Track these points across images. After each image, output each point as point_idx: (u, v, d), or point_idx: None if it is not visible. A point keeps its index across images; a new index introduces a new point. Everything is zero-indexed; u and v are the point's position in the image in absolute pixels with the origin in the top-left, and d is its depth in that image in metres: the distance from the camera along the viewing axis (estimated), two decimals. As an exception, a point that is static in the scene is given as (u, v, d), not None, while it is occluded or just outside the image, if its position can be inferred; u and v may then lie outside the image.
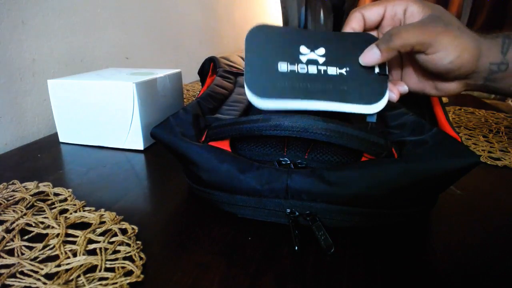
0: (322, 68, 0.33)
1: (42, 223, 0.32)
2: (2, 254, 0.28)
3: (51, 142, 0.54)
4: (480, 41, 0.32)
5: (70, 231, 0.31)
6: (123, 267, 0.26)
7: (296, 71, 0.32)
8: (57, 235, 0.30)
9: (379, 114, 0.33)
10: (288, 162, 0.33)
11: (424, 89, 0.37)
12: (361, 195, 0.29)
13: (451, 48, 0.31)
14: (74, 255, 0.28)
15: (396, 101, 0.34)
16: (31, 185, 0.39)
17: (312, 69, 0.33)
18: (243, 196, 0.31)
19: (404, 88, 0.35)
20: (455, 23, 0.32)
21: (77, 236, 0.30)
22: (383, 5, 0.35)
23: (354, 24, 0.35)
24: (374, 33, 0.37)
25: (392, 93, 0.34)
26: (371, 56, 0.33)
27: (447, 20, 0.32)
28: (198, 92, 0.86)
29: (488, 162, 0.48)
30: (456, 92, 0.36)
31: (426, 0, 0.34)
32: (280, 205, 0.30)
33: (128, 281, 0.25)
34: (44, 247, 0.29)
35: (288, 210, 0.30)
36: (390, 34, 0.31)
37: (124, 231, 0.31)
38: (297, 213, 0.30)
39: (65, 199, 0.36)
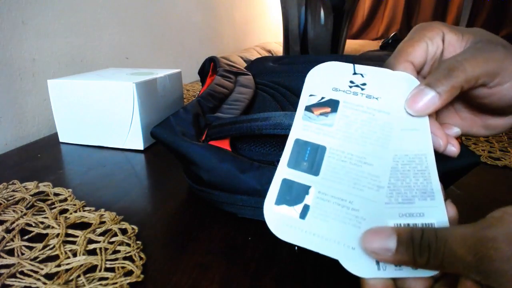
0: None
1: (42, 223, 0.32)
2: (2, 254, 0.28)
3: (51, 142, 0.54)
4: None
5: (70, 231, 0.31)
6: (123, 267, 0.26)
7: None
8: (57, 235, 0.30)
9: None
10: (288, 162, 0.33)
11: (470, 130, 0.29)
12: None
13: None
14: (74, 255, 0.28)
15: (457, 153, 0.25)
16: (31, 185, 0.39)
17: None
18: (243, 196, 0.31)
19: (456, 131, 0.27)
20: (505, 42, 0.25)
21: (77, 236, 0.30)
22: (423, 41, 0.27)
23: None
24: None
25: (451, 146, 0.24)
26: (425, 100, 0.23)
27: (499, 42, 0.25)
28: (198, 92, 0.86)
29: (488, 162, 0.48)
30: (507, 128, 0.28)
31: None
32: (280, 205, 0.30)
33: (128, 281, 0.25)
34: (44, 247, 0.29)
35: (288, 210, 0.30)
36: (447, 69, 0.23)
37: (124, 231, 0.31)
38: (297, 213, 0.30)
39: (65, 199, 0.36)
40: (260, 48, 1.70)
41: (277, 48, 1.90)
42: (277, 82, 0.53)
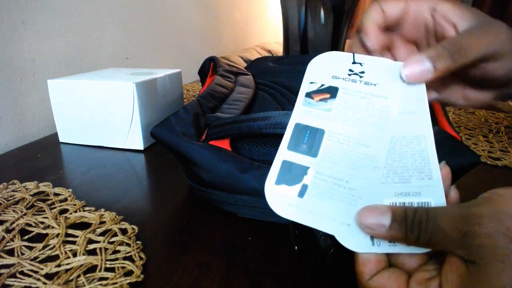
0: None
1: (42, 223, 0.32)
2: (2, 254, 0.28)
3: (51, 142, 0.54)
4: None
5: (70, 231, 0.31)
6: (123, 267, 0.26)
7: None
8: (57, 235, 0.30)
9: None
10: (288, 162, 0.33)
11: (449, 97, 0.30)
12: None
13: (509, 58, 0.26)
14: (74, 255, 0.28)
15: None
16: (31, 185, 0.39)
17: None
18: (243, 196, 0.31)
19: (435, 96, 0.29)
20: (505, 26, 0.27)
21: (77, 236, 0.30)
22: (404, 0, 0.28)
23: (374, 15, 0.28)
24: (390, 36, 0.30)
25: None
26: (420, 70, 0.24)
27: (498, 23, 0.26)
28: (198, 92, 0.86)
29: (488, 162, 0.48)
30: (486, 102, 0.30)
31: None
32: (280, 205, 0.30)
33: (128, 281, 0.25)
34: (44, 247, 0.29)
35: (288, 210, 0.30)
36: (452, 49, 0.24)
37: (124, 231, 0.31)
38: (297, 213, 0.30)
39: (65, 199, 0.36)
40: (260, 48, 1.69)
41: (277, 48, 1.90)
42: (277, 82, 0.53)
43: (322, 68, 0.26)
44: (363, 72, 0.26)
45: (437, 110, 0.39)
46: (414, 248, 0.20)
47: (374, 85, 0.25)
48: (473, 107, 0.32)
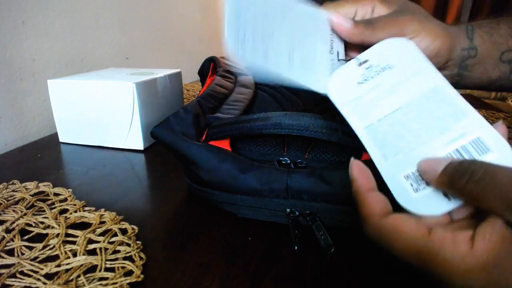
0: None
1: (42, 223, 0.32)
2: (2, 254, 0.28)
3: (51, 142, 0.54)
4: (448, 28, 0.33)
5: (70, 231, 0.31)
6: (123, 267, 0.26)
7: None
8: (57, 235, 0.30)
9: None
10: (288, 161, 0.33)
11: None
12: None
13: (424, 34, 0.31)
14: (74, 255, 0.28)
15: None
16: (31, 185, 0.39)
17: None
18: (243, 196, 0.31)
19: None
20: (422, 11, 0.33)
21: (77, 236, 0.30)
22: (354, 4, 0.34)
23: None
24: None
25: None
26: (346, 25, 0.31)
27: (413, 10, 0.32)
28: (198, 92, 0.86)
29: (488, 162, 0.47)
30: None
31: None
32: (280, 205, 0.30)
33: (128, 281, 0.25)
34: (44, 247, 0.29)
35: (288, 210, 0.30)
36: (372, 23, 0.31)
37: (124, 231, 0.31)
38: (297, 213, 0.30)
39: (65, 199, 0.36)
40: (260, 48, 1.69)
41: (277, 48, 1.89)
42: (277, 82, 0.53)
43: (343, 85, 0.28)
44: (372, 66, 0.28)
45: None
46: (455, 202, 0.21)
47: (389, 68, 0.28)
48: None
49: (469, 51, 0.34)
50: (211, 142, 0.34)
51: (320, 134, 0.30)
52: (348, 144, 0.30)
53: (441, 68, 0.34)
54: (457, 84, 0.35)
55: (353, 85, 0.28)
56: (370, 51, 0.30)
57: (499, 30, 0.34)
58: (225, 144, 0.34)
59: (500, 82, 0.35)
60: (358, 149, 0.31)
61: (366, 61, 0.29)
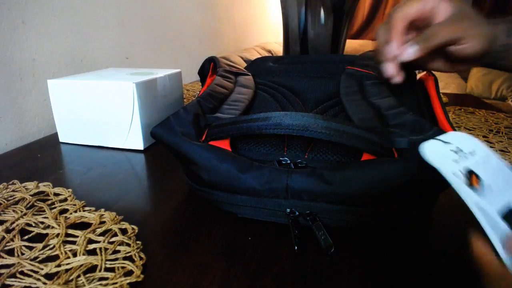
0: None
1: (42, 223, 0.32)
2: (2, 254, 0.28)
3: (51, 142, 0.54)
4: (493, 27, 0.38)
5: (70, 231, 0.31)
6: (123, 267, 0.26)
7: None
8: (57, 235, 0.30)
9: (379, 114, 0.33)
10: (288, 161, 0.33)
11: (432, 64, 0.41)
12: (361, 195, 0.29)
13: (478, 40, 0.36)
14: (74, 255, 0.28)
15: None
16: (31, 185, 0.39)
17: None
18: (243, 196, 0.31)
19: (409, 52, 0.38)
20: (474, 15, 0.37)
21: (77, 236, 0.30)
22: (421, 3, 0.38)
23: (399, 26, 0.38)
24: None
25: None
26: (410, 51, 0.37)
27: (469, 14, 0.37)
28: (198, 92, 0.86)
29: (488, 162, 0.47)
30: (466, 68, 0.42)
31: None
32: (280, 205, 0.30)
33: (128, 281, 0.25)
34: (44, 247, 0.29)
35: (288, 210, 0.30)
36: (427, 35, 0.36)
37: (124, 231, 0.31)
38: (297, 213, 0.30)
39: (65, 199, 0.36)
40: (260, 48, 1.69)
41: (277, 48, 1.90)
42: (277, 82, 0.53)
43: (442, 157, 0.28)
44: (460, 149, 0.28)
45: (437, 110, 0.39)
46: None
47: (472, 154, 0.28)
48: (456, 71, 0.44)
49: (506, 47, 0.40)
50: (211, 142, 0.34)
51: (320, 134, 0.30)
52: (348, 144, 0.30)
53: (479, 58, 0.39)
54: (487, 66, 0.42)
55: (450, 161, 0.28)
56: (447, 136, 0.30)
57: None
58: (225, 144, 0.34)
59: None
60: (357, 149, 0.31)
61: (449, 143, 0.29)
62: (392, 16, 0.39)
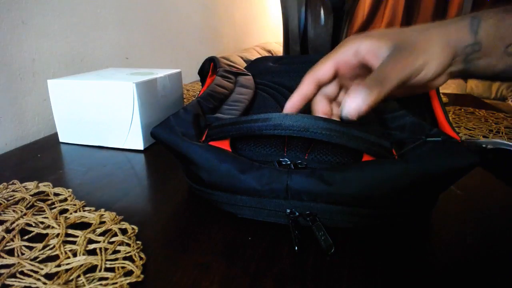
0: None
1: (42, 223, 0.32)
2: (2, 254, 0.28)
3: (51, 142, 0.54)
4: (446, 32, 0.33)
5: (70, 231, 0.31)
6: (123, 267, 0.26)
7: None
8: (57, 235, 0.30)
9: (379, 117, 0.33)
10: (288, 162, 0.33)
11: (413, 92, 0.38)
12: (361, 196, 0.29)
13: (432, 64, 0.32)
14: (74, 255, 0.28)
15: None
16: (31, 185, 0.39)
17: None
18: (243, 196, 0.31)
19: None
20: (417, 36, 0.32)
21: (77, 236, 0.30)
22: (331, 60, 0.35)
23: (304, 89, 0.36)
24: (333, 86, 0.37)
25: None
26: (359, 100, 0.29)
27: (411, 40, 0.32)
28: (198, 92, 0.86)
29: (488, 162, 0.47)
30: (443, 83, 0.35)
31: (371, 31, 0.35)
32: (280, 206, 0.30)
33: (128, 281, 0.25)
34: (44, 247, 0.29)
35: (288, 210, 0.30)
36: (378, 80, 0.30)
37: (124, 231, 0.31)
38: (297, 213, 0.30)
39: (65, 199, 0.36)
40: (260, 48, 1.69)
41: (277, 48, 1.90)
42: (277, 82, 0.53)
43: None
44: None
45: (437, 111, 0.39)
46: None
47: None
48: (435, 87, 0.39)
49: (473, 47, 0.33)
50: (211, 143, 0.35)
51: (321, 135, 0.30)
52: (349, 145, 0.30)
53: (446, 67, 0.34)
54: (462, 75, 0.35)
55: None
56: None
57: (505, 21, 0.33)
58: (225, 145, 0.34)
59: (505, 74, 0.35)
60: (357, 151, 0.31)
61: None
62: (299, 85, 0.36)
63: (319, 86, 0.37)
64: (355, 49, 0.34)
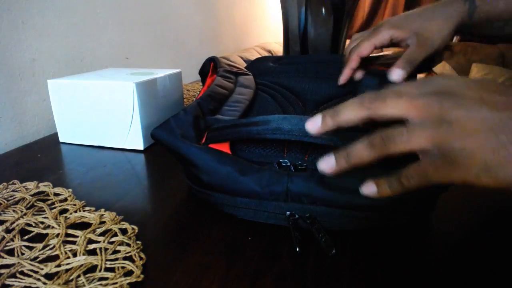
0: None
1: (42, 223, 0.32)
2: (2, 254, 0.28)
3: (51, 142, 0.54)
4: (446, 10, 0.45)
5: (70, 231, 0.31)
6: (123, 267, 0.26)
7: None
8: (57, 235, 0.30)
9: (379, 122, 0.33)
10: (288, 164, 0.33)
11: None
12: (360, 199, 0.29)
13: (439, 39, 0.44)
14: (74, 255, 0.28)
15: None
16: (31, 185, 0.39)
17: None
18: (243, 198, 0.31)
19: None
20: (427, 23, 0.45)
21: (77, 236, 0.30)
22: (372, 42, 0.46)
23: (353, 64, 0.48)
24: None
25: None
26: (399, 75, 0.45)
27: (423, 27, 0.45)
28: (198, 92, 0.86)
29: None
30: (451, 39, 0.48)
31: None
32: (280, 208, 0.30)
33: (128, 281, 0.25)
34: (44, 247, 0.29)
35: (288, 213, 0.30)
36: (409, 60, 0.44)
37: (124, 231, 0.31)
38: (297, 216, 0.30)
39: (65, 199, 0.36)
40: (260, 48, 1.69)
41: (277, 48, 1.90)
42: (277, 82, 0.53)
43: None
44: None
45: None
46: None
47: None
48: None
49: (481, 14, 0.44)
50: (211, 145, 0.35)
51: (320, 140, 0.30)
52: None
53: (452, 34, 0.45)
54: (468, 28, 0.46)
55: None
56: None
57: None
58: (225, 146, 0.34)
59: (508, 14, 0.45)
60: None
61: None
62: (347, 52, 0.49)
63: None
64: (390, 35, 0.46)
